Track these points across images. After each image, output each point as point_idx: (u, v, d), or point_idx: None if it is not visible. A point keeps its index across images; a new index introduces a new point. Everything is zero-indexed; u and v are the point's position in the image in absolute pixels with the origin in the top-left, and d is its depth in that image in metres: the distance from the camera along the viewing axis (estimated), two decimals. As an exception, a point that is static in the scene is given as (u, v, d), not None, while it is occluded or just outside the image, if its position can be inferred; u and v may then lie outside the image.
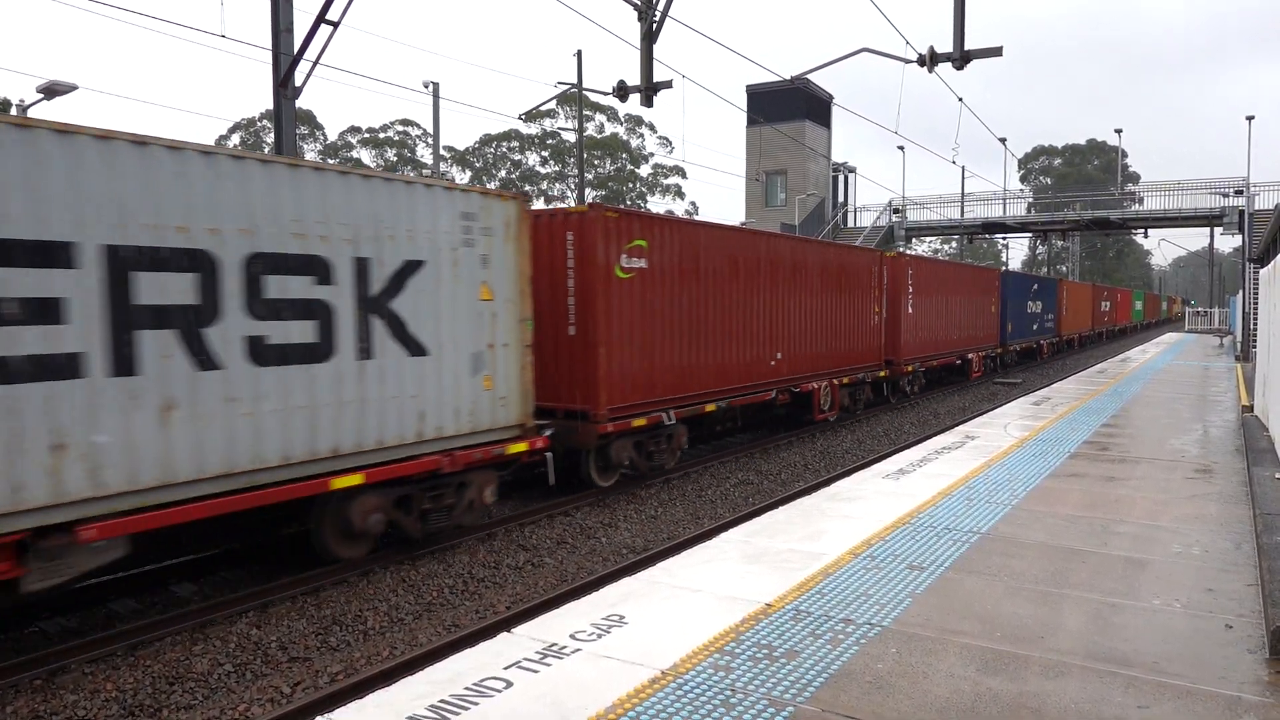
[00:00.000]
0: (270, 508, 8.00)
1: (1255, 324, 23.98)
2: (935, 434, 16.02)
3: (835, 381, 18.09)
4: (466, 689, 4.31)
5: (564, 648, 4.80)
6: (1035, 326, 35.08)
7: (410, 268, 8.91)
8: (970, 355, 27.03)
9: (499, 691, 4.28)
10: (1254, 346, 21.90)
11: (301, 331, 7.94)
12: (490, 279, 9.80)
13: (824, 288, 17.71)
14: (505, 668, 4.55)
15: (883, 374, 20.79)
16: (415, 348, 8.98)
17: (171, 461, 7.00)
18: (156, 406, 6.92)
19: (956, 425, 15.91)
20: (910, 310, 22.28)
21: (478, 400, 9.66)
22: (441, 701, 4.17)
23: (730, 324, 14.43)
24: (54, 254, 6.34)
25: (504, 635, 5.03)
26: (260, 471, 7.60)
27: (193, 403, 7.15)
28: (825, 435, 17.86)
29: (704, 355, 13.73)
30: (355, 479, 8.30)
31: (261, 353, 7.64)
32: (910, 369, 22.37)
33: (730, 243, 14.54)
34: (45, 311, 6.31)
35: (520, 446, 10.09)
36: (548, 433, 10.72)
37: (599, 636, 4.95)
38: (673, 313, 12.97)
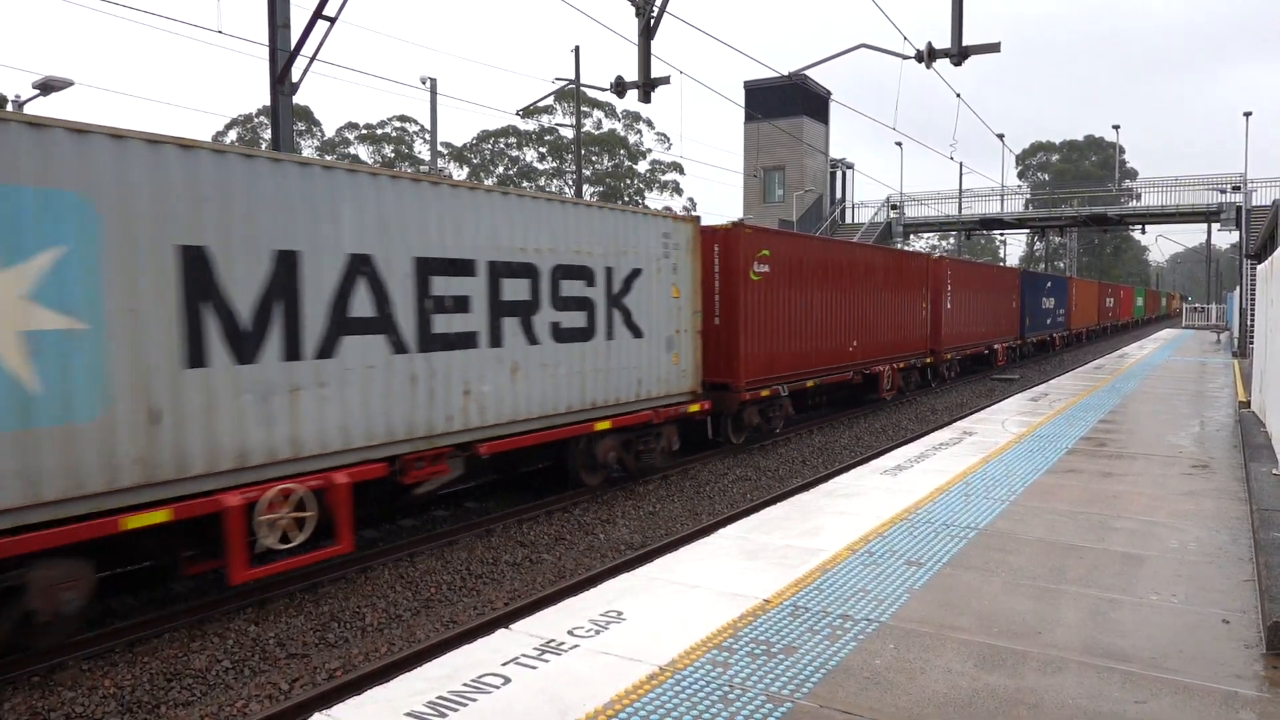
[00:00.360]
0: (552, 443, 11.11)
1: (1252, 320, 24.02)
2: (933, 430, 16.04)
3: (894, 366, 21.44)
4: (465, 685, 4.31)
5: (562, 644, 4.80)
6: (1049, 321, 37.76)
7: (635, 274, 12.24)
8: (996, 346, 30.07)
9: (497, 688, 4.28)
10: (1251, 342, 21.93)
11: (577, 319, 11.24)
12: (677, 281, 13.14)
13: (886, 287, 20.93)
14: (503, 664, 4.55)
15: (928, 360, 24.05)
16: (637, 332, 12.32)
17: (516, 405, 10.34)
18: (509, 368, 10.23)
19: (954, 421, 15.93)
20: (949, 306, 25.40)
21: (669, 371, 13.03)
22: (440, 698, 4.18)
23: (824, 316, 17.83)
24: (464, 268, 9.66)
25: (502, 632, 5.03)
26: (556, 415, 10.95)
27: (526, 366, 10.47)
28: (822, 432, 17.88)
29: (805, 342, 17.14)
30: (605, 424, 11.65)
31: (560, 334, 10.97)
32: (949, 357, 25.65)
33: (824, 250, 18.16)
34: (461, 305, 9.64)
35: (695, 407, 13.58)
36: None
37: (597, 633, 4.96)
38: (786, 307, 16.33)
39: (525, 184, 69.30)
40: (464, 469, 9.79)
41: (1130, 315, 66.05)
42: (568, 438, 11.17)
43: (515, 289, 10.30)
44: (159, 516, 6.93)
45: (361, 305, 8.58)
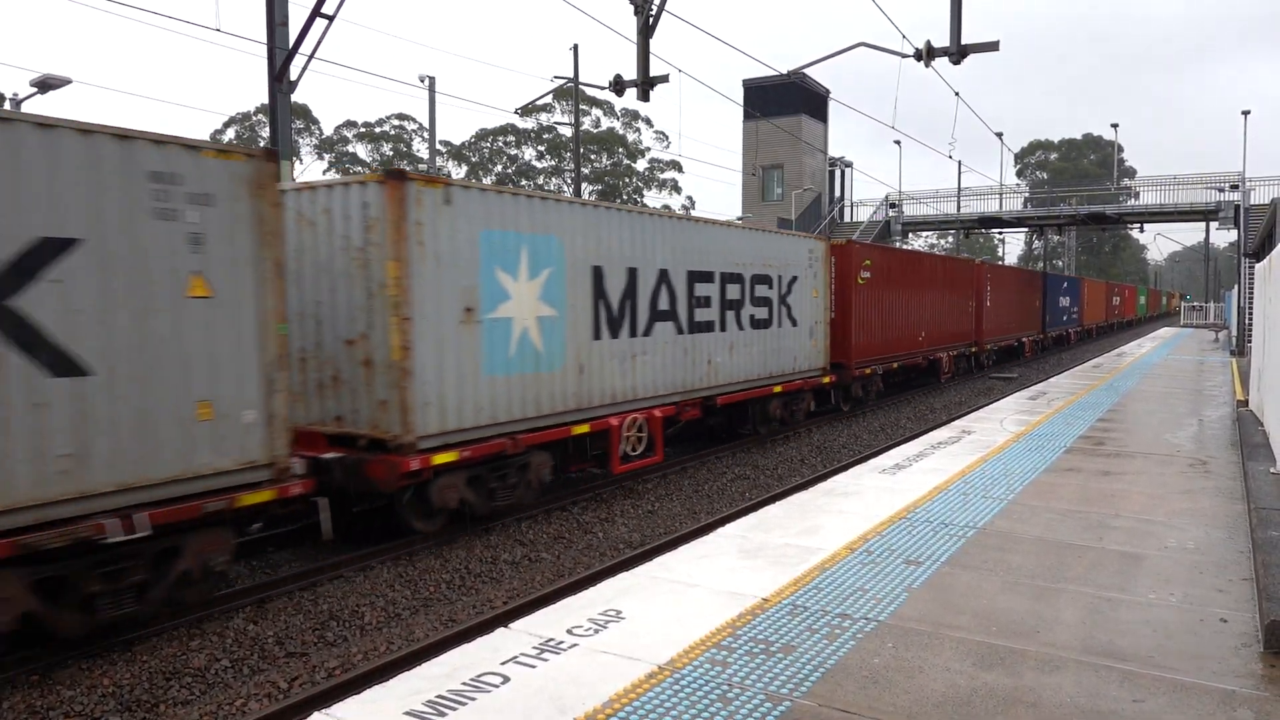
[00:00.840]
0: (743, 401, 15.46)
1: (1250, 318, 24.03)
2: (932, 429, 16.05)
3: (949, 354, 25.82)
4: (464, 684, 4.31)
5: (561, 643, 4.81)
6: (1065, 317, 42.13)
7: (794, 280, 16.79)
8: (1024, 339, 34.61)
9: (496, 687, 4.28)
10: (1249, 341, 21.95)
11: (763, 313, 15.73)
12: (816, 285, 17.71)
13: (945, 288, 25.15)
14: (502, 663, 4.56)
15: (973, 350, 28.34)
16: (794, 322, 16.80)
17: (733, 372, 14.90)
18: (729, 346, 14.72)
19: (953, 420, 15.94)
20: (989, 304, 29.52)
21: (811, 352, 17.54)
22: (439, 697, 4.18)
23: (903, 313, 22.03)
24: (708, 276, 14.11)
25: (501, 630, 5.03)
26: (753, 380, 15.52)
27: (738, 345, 14.97)
28: (819, 431, 17.89)
29: (891, 333, 21.32)
30: (778, 388, 16.24)
31: (754, 323, 15.47)
32: (989, 347, 29.95)
33: (903, 259, 23.00)
34: (705, 302, 13.99)
35: (827, 379, 18.18)
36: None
37: (596, 632, 4.96)
38: (880, 306, 20.56)
39: (524, 182, 69.26)
40: (703, 414, 14.26)
41: (1134, 312, 70.18)
42: (756, 397, 15.71)
43: (732, 291, 14.80)
44: (584, 429, 11.43)
45: (663, 302, 13.01)
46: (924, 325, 23.39)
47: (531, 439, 10.44)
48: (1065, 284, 42.34)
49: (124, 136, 6.79)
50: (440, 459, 9.22)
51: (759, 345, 15.55)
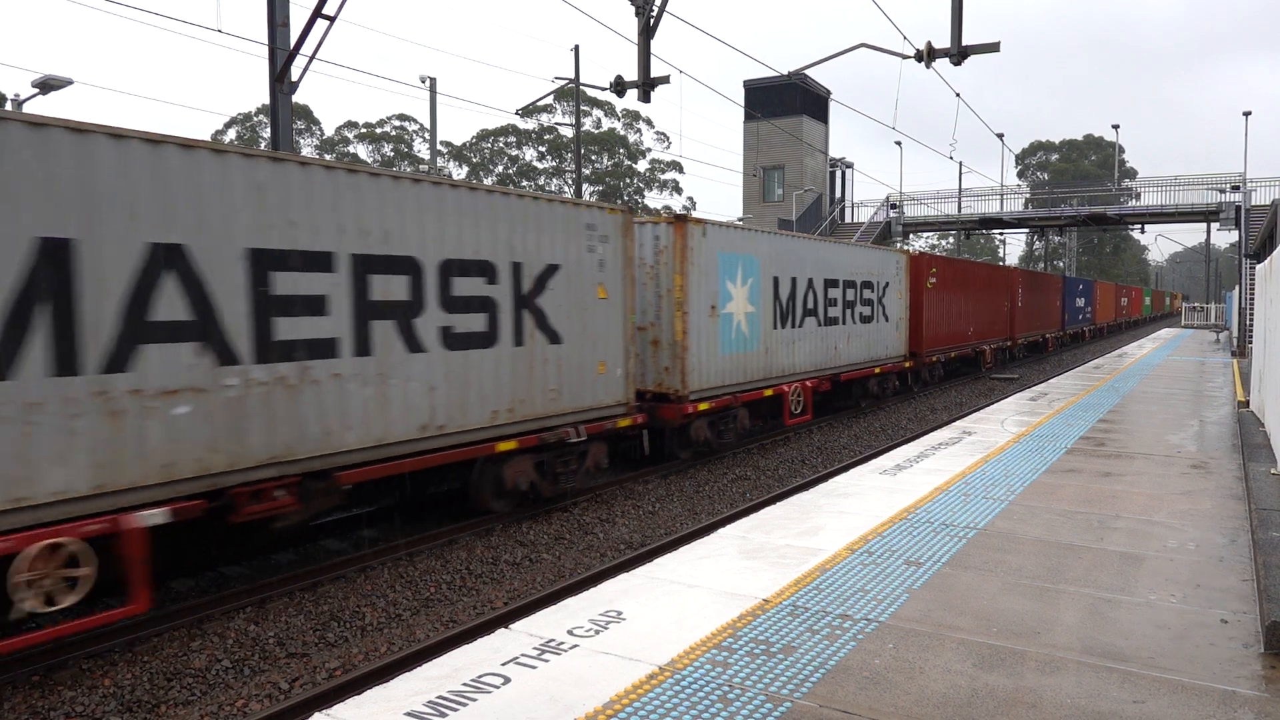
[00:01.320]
0: (854, 379, 19.29)
1: (1251, 319, 24.01)
2: (932, 429, 16.05)
3: (990, 347, 29.89)
4: (464, 685, 4.31)
5: (562, 644, 4.81)
6: (1080, 317, 46.39)
7: (887, 285, 20.69)
8: (1047, 335, 38.77)
9: (497, 688, 4.28)
10: (1250, 342, 21.93)
11: (867, 311, 19.76)
12: (900, 288, 21.66)
13: (987, 290, 29.26)
14: (503, 664, 4.56)
15: (1008, 344, 32.47)
16: (886, 318, 20.77)
17: (850, 356, 18.81)
18: (848, 336, 18.68)
19: (954, 420, 15.93)
20: (1020, 305, 33.63)
21: (896, 343, 21.49)
22: (440, 697, 4.18)
23: (958, 312, 26.18)
24: (835, 282, 18.25)
25: (502, 631, 5.03)
26: (860, 363, 19.21)
27: (851, 337, 18.90)
28: (820, 432, 17.88)
29: (950, 328, 25.59)
30: (877, 370, 20.16)
31: (862, 319, 19.39)
32: (1020, 342, 34.21)
33: (959, 267, 27.09)
34: (834, 302, 18.29)
35: (907, 364, 22.02)
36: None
37: (597, 632, 4.96)
38: (941, 306, 24.60)
39: (525, 183, 69.24)
40: (831, 387, 18.07)
41: (1140, 312, 75.69)
42: (862, 376, 19.49)
43: (849, 294, 18.89)
44: (769, 392, 15.54)
45: (809, 302, 17.10)
46: (972, 322, 27.88)
47: (742, 398, 14.89)
48: (1081, 286, 47.24)
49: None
50: (701, 407, 13.71)
51: (865, 336, 19.63)
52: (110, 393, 6.64)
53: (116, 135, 6.72)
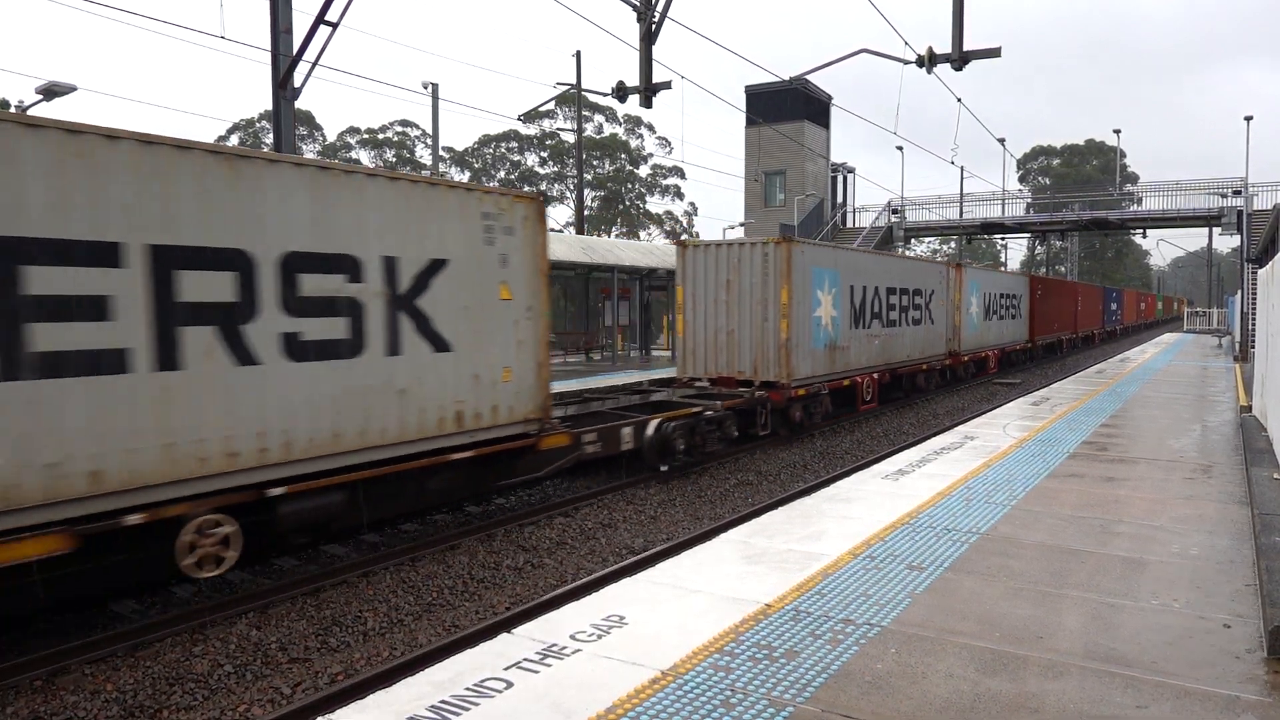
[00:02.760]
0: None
1: (1253, 324, 23.98)
2: (935, 434, 16.04)
3: (1066, 337, 40.67)
4: (467, 690, 4.32)
5: (564, 648, 4.81)
6: (1113, 317, 57.51)
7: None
8: (1094, 331, 48.85)
9: (499, 692, 4.28)
10: (1252, 347, 21.90)
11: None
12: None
13: (1065, 296, 40.98)
14: (505, 668, 4.56)
15: (1074, 336, 42.60)
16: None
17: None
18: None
19: (956, 425, 15.92)
20: (1080, 307, 44.12)
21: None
22: (442, 702, 4.18)
23: (1057, 311, 38.12)
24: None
25: (504, 636, 5.03)
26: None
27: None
28: (822, 437, 17.89)
29: (1054, 325, 37.66)
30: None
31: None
32: (1080, 336, 44.31)
33: (1051, 284, 39.23)
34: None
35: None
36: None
37: (599, 637, 4.96)
38: (1041, 307, 34.78)
39: (526, 187, 69.34)
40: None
41: (1153, 316, 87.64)
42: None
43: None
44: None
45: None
46: (1057, 319, 38.72)
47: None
48: (1114, 294, 59.69)
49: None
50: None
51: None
52: None
53: None
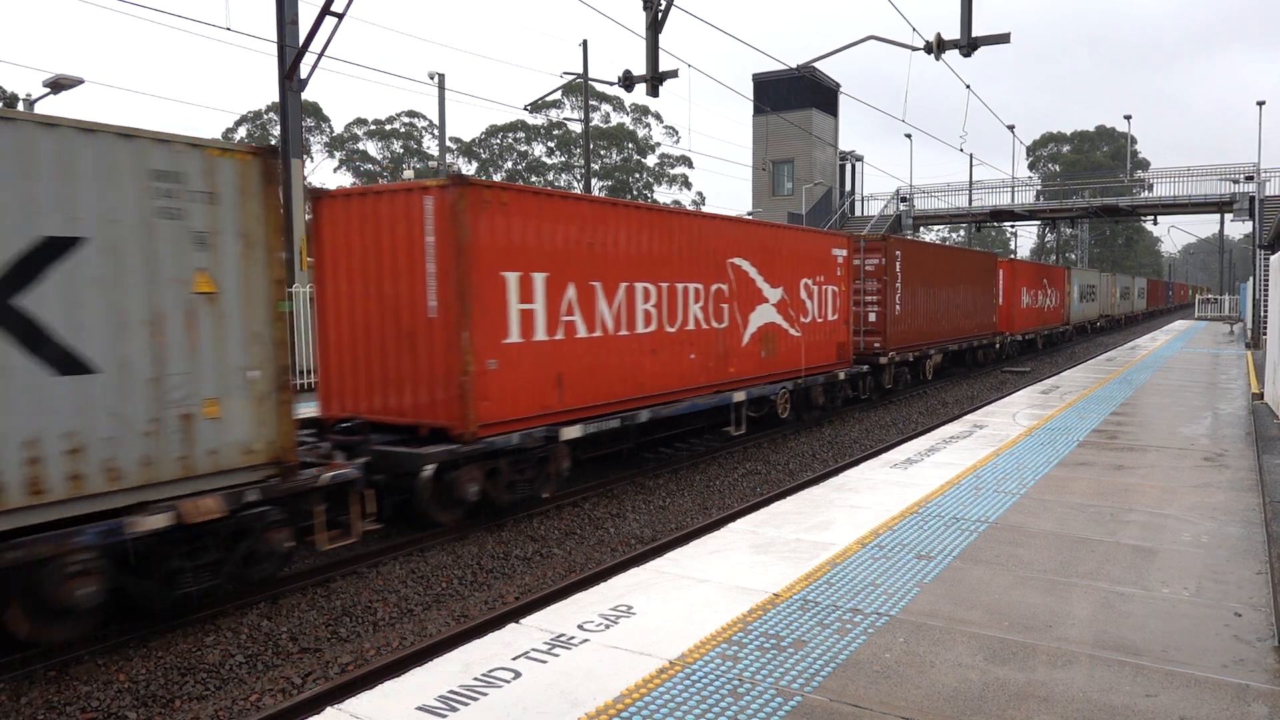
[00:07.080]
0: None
1: (1266, 311, 23.83)
2: (943, 423, 16.00)
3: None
4: (476, 679, 4.33)
5: (572, 638, 4.82)
6: (1139, 305, 65.80)
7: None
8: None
9: (508, 682, 4.30)
10: (1264, 334, 21.76)
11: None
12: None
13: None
14: (514, 658, 4.57)
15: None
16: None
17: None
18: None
19: (965, 414, 15.88)
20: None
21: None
22: (451, 692, 4.20)
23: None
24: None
25: (513, 626, 5.05)
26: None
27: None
28: (830, 427, 17.86)
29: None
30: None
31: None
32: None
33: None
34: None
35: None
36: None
37: (607, 627, 4.97)
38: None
39: (534, 179, 69.28)
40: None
41: (1166, 302, 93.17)
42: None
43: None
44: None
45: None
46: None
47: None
48: (1146, 282, 70.95)
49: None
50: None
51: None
52: None
53: None
